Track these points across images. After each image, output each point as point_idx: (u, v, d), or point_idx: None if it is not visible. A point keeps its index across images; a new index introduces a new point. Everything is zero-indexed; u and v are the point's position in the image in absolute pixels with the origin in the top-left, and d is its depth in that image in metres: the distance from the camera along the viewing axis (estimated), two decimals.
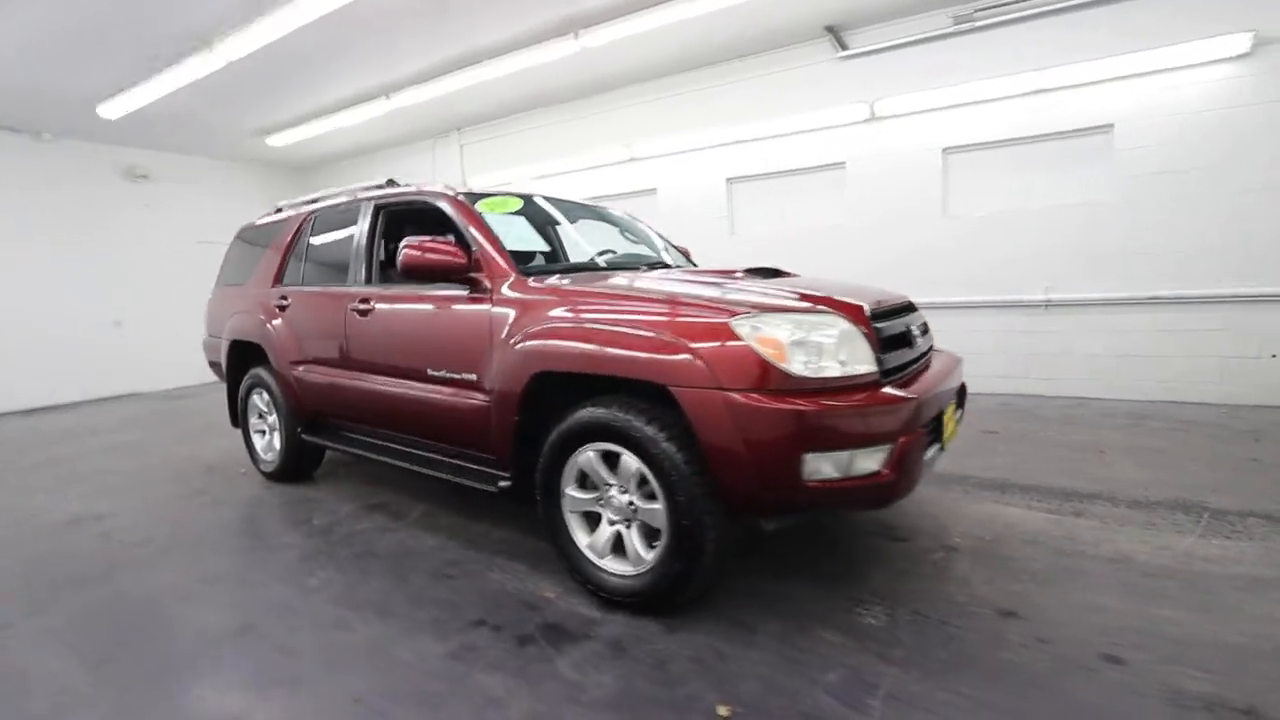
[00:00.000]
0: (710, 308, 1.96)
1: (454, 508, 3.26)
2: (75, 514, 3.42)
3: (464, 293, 2.57)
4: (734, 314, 1.90)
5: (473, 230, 2.64)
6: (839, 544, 2.65)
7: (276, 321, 3.55)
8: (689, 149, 6.66)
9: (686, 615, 2.11)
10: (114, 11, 4.51)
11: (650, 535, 2.12)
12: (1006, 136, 5.29)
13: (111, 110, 6.17)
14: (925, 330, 2.55)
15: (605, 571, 2.18)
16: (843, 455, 1.81)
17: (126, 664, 2.00)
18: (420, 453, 2.89)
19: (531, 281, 2.45)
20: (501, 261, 2.53)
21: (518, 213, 3.01)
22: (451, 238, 2.66)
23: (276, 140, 7.68)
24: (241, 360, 3.97)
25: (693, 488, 1.91)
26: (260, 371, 3.74)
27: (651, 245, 3.48)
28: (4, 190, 7.13)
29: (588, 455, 2.17)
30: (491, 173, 8.03)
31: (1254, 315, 4.59)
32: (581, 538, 2.26)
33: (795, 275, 2.80)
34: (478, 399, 2.48)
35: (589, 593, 2.25)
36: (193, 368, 8.48)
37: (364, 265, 3.13)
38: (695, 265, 3.57)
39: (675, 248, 3.72)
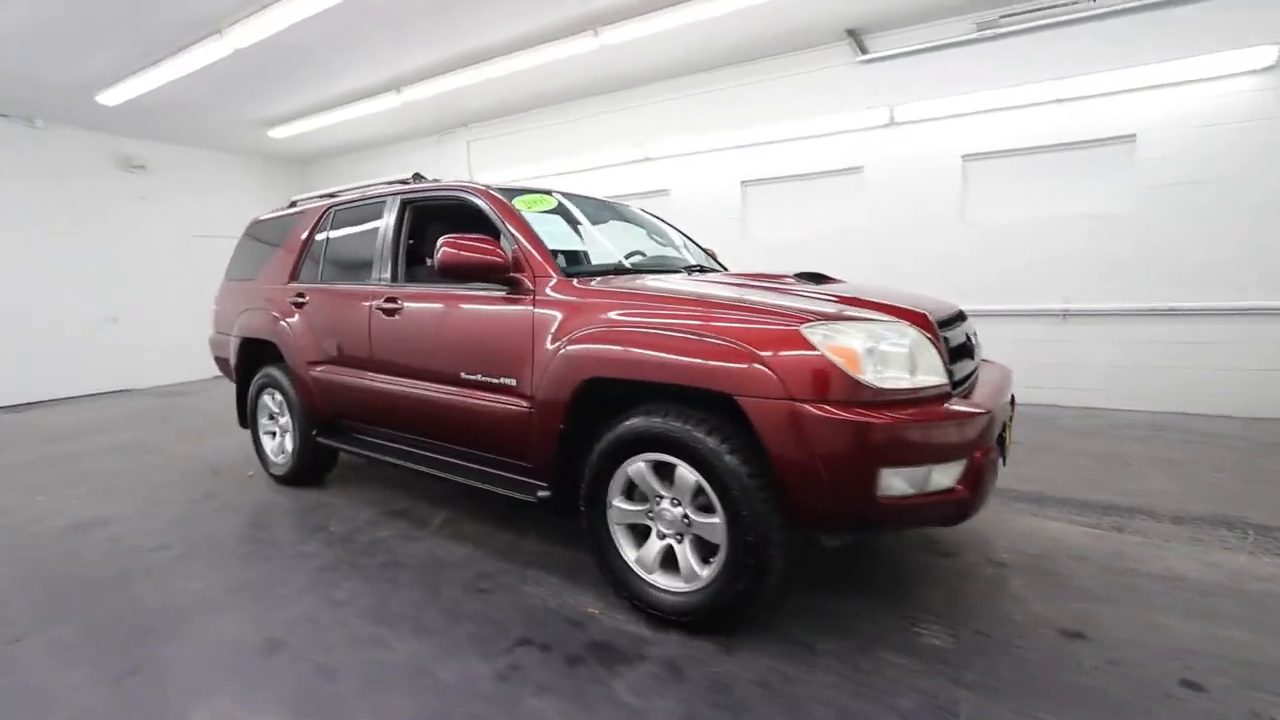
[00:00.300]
0: (778, 314, 1.87)
1: (477, 515, 3.15)
2: (79, 518, 3.28)
3: (502, 293, 2.47)
4: (804, 321, 1.82)
5: (512, 228, 2.54)
6: (883, 558, 2.58)
7: (292, 319, 3.42)
8: (703, 150, 6.58)
9: (742, 635, 2.02)
10: None
11: (705, 550, 2.03)
12: (1027, 145, 5.27)
13: (111, 97, 5.98)
14: (977, 339, 2.49)
15: (655, 588, 2.09)
16: (919, 471, 1.74)
17: (151, 680, 1.88)
18: (449, 459, 2.78)
19: (576, 283, 2.36)
20: (544, 262, 2.43)
21: (550, 211, 2.91)
22: (487, 236, 2.56)
23: (279, 133, 7.52)
24: (252, 359, 3.83)
25: (757, 503, 1.83)
26: (273, 371, 3.61)
27: (680, 247, 3.40)
28: None
29: (638, 466, 2.08)
30: (499, 171, 7.91)
31: (1271, 328, 4.59)
32: (629, 552, 2.17)
33: (841, 281, 2.73)
34: (517, 404, 2.38)
35: (636, 609, 2.16)
36: (188, 364, 8.33)
37: (390, 262, 3.02)
38: (724, 267, 3.49)
39: (703, 249, 3.64)
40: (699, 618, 2.00)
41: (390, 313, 2.90)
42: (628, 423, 2.07)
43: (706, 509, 1.98)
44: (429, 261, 3.38)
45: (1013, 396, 2.60)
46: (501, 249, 2.40)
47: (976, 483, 1.81)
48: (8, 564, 2.76)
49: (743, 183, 6.53)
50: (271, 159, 9.36)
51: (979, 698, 1.71)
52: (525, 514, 3.10)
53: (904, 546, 2.67)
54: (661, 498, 2.08)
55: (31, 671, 1.96)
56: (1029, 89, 5.11)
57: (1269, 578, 2.33)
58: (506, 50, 5.59)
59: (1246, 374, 4.67)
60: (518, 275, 2.42)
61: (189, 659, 1.99)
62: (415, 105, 6.80)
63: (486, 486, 2.52)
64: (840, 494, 1.74)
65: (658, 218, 3.70)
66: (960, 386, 2.00)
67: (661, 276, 2.68)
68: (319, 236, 3.48)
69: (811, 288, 2.34)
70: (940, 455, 1.76)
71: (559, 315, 2.27)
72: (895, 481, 1.73)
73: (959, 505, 1.81)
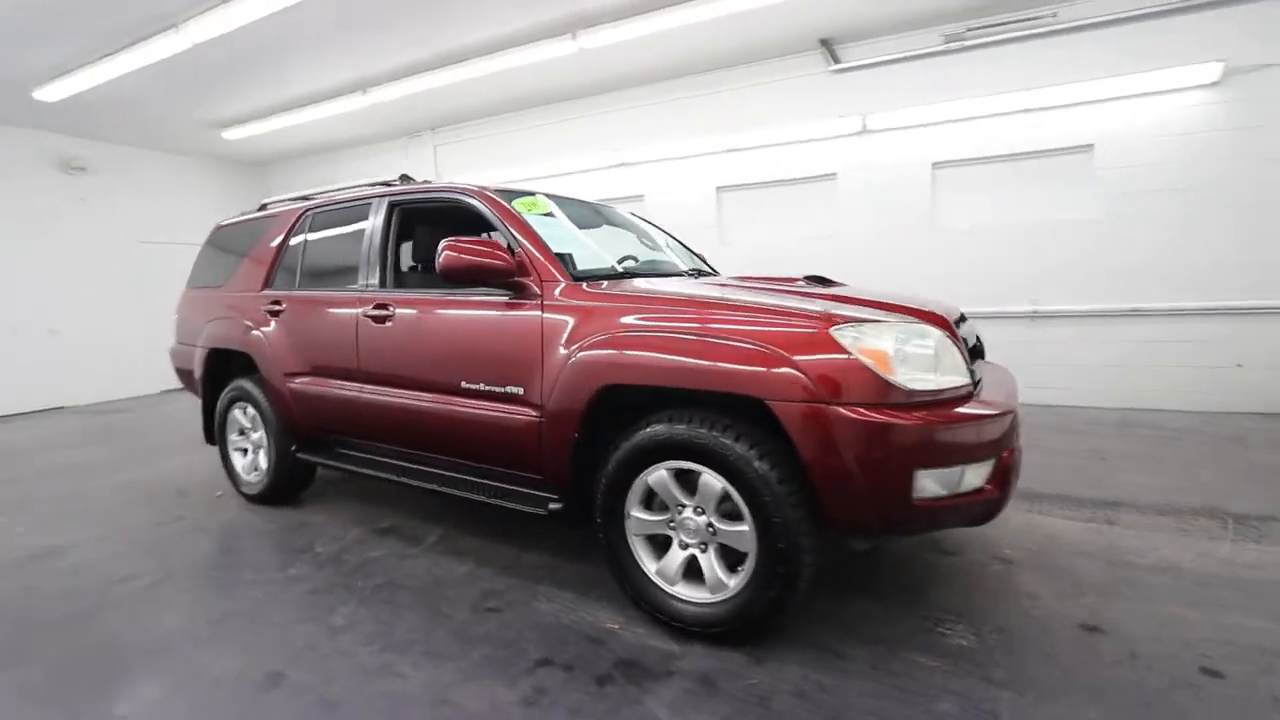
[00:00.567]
0: (806, 317, 1.85)
1: (472, 530, 3.03)
2: (31, 548, 3.00)
3: (504, 298, 2.38)
4: (833, 323, 1.80)
5: (515, 232, 2.46)
6: (890, 559, 2.59)
7: (268, 328, 3.23)
8: (679, 156, 6.59)
9: (768, 644, 1.98)
10: None
11: (729, 559, 1.99)
12: (993, 153, 5.46)
13: (51, 93, 5.59)
14: (981, 341, 2.53)
15: (679, 599, 2.03)
16: (953, 472, 1.74)
17: None
18: (448, 473, 2.66)
19: (586, 286, 2.29)
20: (551, 265, 2.35)
21: (548, 215, 2.83)
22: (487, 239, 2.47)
23: (234, 134, 7.17)
24: (221, 371, 3.61)
25: (788, 509, 1.79)
26: (244, 383, 3.41)
27: (664, 248, 3.33)
28: None
29: (660, 474, 2.02)
30: (468, 175, 7.74)
31: (1223, 327, 4.86)
32: (649, 563, 2.10)
33: (844, 284, 2.75)
34: (525, 414, 2.29)
35: (657, 622, 2.09)
36: (133, 379, 7.83)
37: (378, 268, 2.88)
38: (715, 271, 3.46)
39: (693, 253, 3.61)
40: (727, 628, 1.95)
41: (380, 320, 2.76)
42: (648, 430, 2.01)
43: (732, 516, 1.94)
44: (418, 266, 3.26)
45: None
46: (507, 252, 2.31)
47: (1004, 482, 1.83)
48: None
49: (719, 188, 6.56)
50: (224, 162, 8.93)
51: (1014, 697, 1.71)
52: (521, 526, 2.99)
53: (908, 546, 2.69)
54: (683, 506, 2.03)
55: None
56: (994, 100, 5.30)
57: (1257, 565, 2.43)
58: (481, 52, 5.47)
59: (1202, 370, 4.93)
60: (523, 280, 2.33)
61: (177, 697, 1.83)
62: (381, 107, 6.59)
63: (492, 501, 2.41)
64: (876, 497, 1.72)
65: (647, 221, 3.66)
66: (977, 387, 2.02)
67: (665, 280, 2.63)
68: (295, 240, 3.31)
69: (822, 290, 2.33)
70: (972, 455, 1.76)
71: (571, 320, 2.19)
72: (929, 483, 1.72)
73: (988, 505, 1.82)
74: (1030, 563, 2.51)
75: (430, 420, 2.60)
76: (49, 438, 5.67)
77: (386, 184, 3.19)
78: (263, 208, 3.71)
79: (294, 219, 3.34)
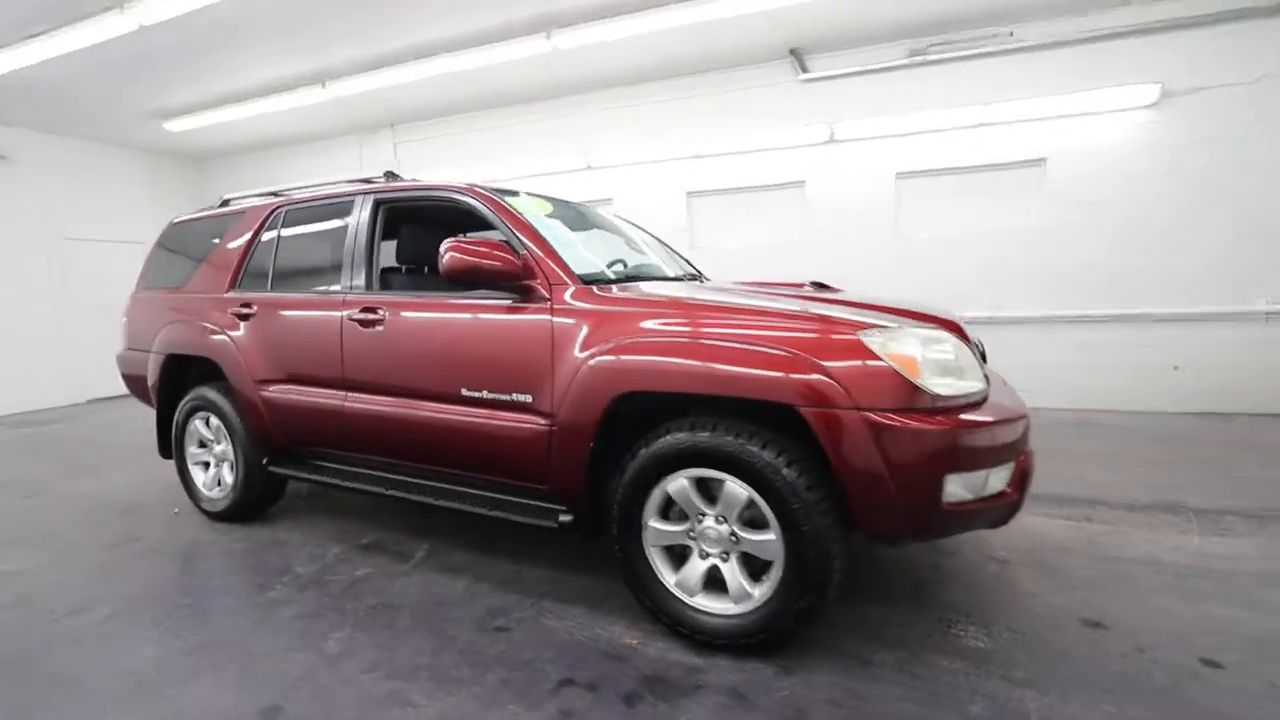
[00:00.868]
0: (834, 323, 1.85)
1: (463, 544, 2.90)
2: None
3: (508, 301, 2.29)
4: (862, 328, 1.80)
5: (518, 233, 2.36)
6: (886, 562, 2.62)
7: (236, 333, 3.01)
8: (649, 160, 6.57)
9: (791, 653, 1.96)
10: None
11: (751, 568, 1.96)
12: (953, 165, 5.68)
13: None
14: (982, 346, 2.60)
15: (701, 611, 1.99)
16: (979, 475, 1.77)
17: None
18: (446, 486, 2.53)
19: (597, 290, 2.22)
20: (558, 268, 2.27)
21: (548, 216, 2.75)
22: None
23: (177, 125, 6.70)
24: (178, 378, 3.34)
25: (818, 516, 1.78)
26: (207, 392, 3.16)
27: (659, 255, 3.30)
28: None
29: (680, 483, 1.98)
30: (429, 174, 7.48)
31: (1162, 332, 5.20)
32: (668, 575, 2.05)
33: (842, 290, 2.78)
34: (534, 423, 2.20)
35: (677, 636, 2.04)
36: (56, 387, 7.20)
37: (363, 269, 2.72)
38: (705, 277, 3.45)
39: (681, 258, 3.59)
40: (752, 639, 1.91)
41: (367, 324, 2.61)
42: (669, 438, 1.96)
43: (755, 525, 1.91)
44: (403, 268, 3.12)
45: None
46: (515, 253, 2.22)
47: (1023, 484, 1.88)
48: None
49: (689, 194, 6.58)
50: (162, 155, 8.34)
51: (1039, 696, 1.74)
52: (513, 538, 2.89)
53: (908, 549, 2.73)
54: (704, 515, 1.99)
55: None
56: (954, 113, 5.52)
57: (1226, 556, 2.59)
58: (451, 47, 5.31)
59: (1143, 372, 5.26)
60: (530, 283, 2.25)
61: None
62: (339, 102, 6.31)
63: (494, 513, 2.30)
64: (907, 503, 1.73)
65: (634, 225, 3.61)
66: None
67: (672, 285, 2.59)
68: (267, 238, 3.09)
69: (828, 295, 2.35)
70: (997, 459, 1.80)
71: (584, 325, 2.12)
72: (958, 487, 1.74)
73: (1009, 508, 1.86)
74: (1023, 562, 2.59)
75: (425, 430, 2.47)
76: None
77: (367, 181, 3.03)
78: (225, 203, 3.46)
79: (264, 216, 3.13)
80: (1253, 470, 3.69)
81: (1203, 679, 1.81)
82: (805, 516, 1.78)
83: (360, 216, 2.79)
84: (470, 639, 2.11)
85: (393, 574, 2.63)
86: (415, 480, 2.60)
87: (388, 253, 2.92)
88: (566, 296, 2.20)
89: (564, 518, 2.19)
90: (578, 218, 3.09)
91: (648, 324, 2.01)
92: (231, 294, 3.10)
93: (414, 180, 2.88)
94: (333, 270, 2.82)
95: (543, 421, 2.18)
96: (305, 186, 3.19)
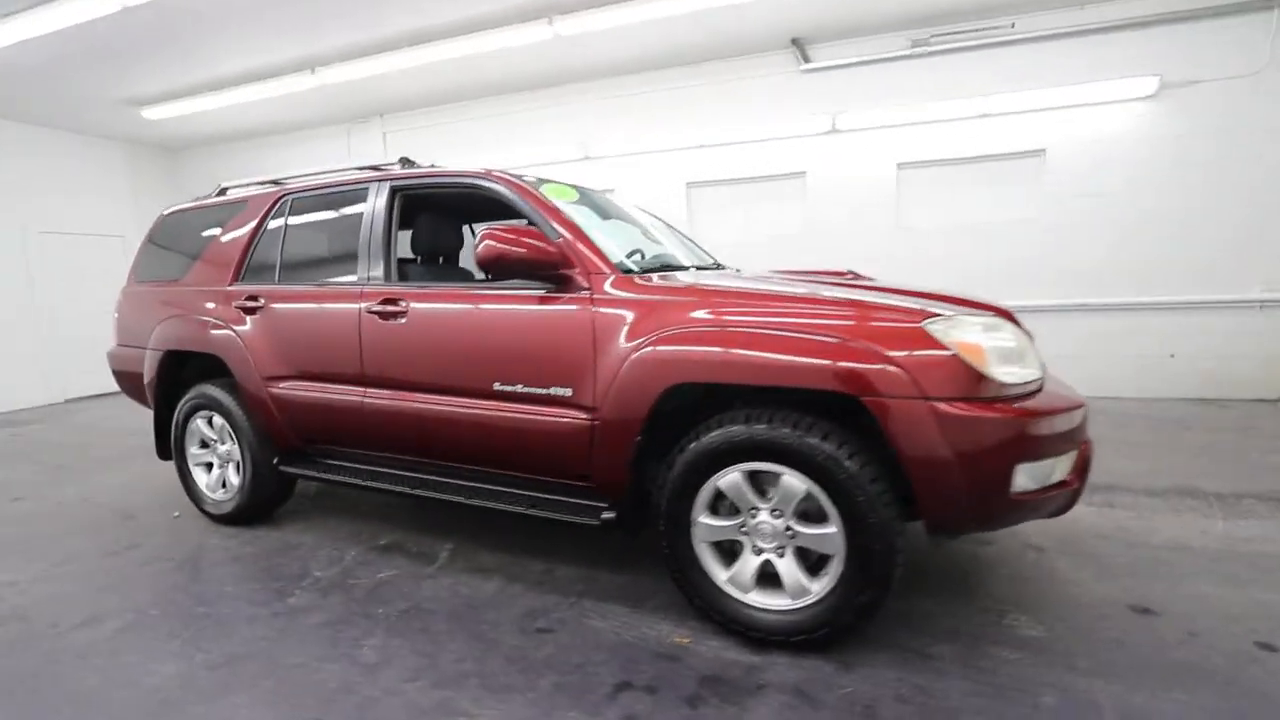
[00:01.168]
0: (896, 311, 1.79)
1: (487, 543, 2.80)
2: None
3: (541, 291, 2.20)
4: (925, 316, 1.75)
5: (552, 220, 2.27)
6: (925, 552, 2.60)
7: (242, 327, 2.86)
8: (648, 150, 6.48)
9: (848, 649, 1.92)
10: None
11: (806, 563, 1.91)
12: (954, 155, 5.69)
13: None
14: None
15: (755, 608, 1.93)
16: (1046, 464, 1.73)
17: None
18: (469, 483, 2.43)
19: (638, 279, 2.14)
20: (597, 257, 2.18)
21: (575, 203, 2.65)
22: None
23: (156, 112, 6.41)
24: (177, 375, 3.18)
25: (883, 508, 1.73)
26: (210, 390, 3.01)
27: (676, 245, 3.20)
28: None
29: (733, 477, 1.91)
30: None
31: (1159, 320, 5.29)
32: (719, 572, 1.99)
33: (871, 278, 2.74)
34: (574, 417, 2.11)
35: (729, 633, 1.99)
36: (31, 386, 6.88)
37: (381, 259, 2.60)
38: (727, 267, 3.38)
39: (700, 249, 3.51)
40: (810, 636, 1.86)
41: (388, 316, 2.49)
42: (722, 431, 1.89)
43: (807, 518, 1.86)
44: (419, 258, 3.00)
45: None
46: (551, 242, 2.13)
47: (1084, 472, 1.85)
48: None
49: (689, 184, 6.51)
50: (136, 145, 7.99)
51: (1106, 685, 1.72)
52: (541, 536, 2.81)
53: (932, 537, 2.71)
54: (756, 510, 1.93)
55: None
56: (955, 104, 5.53)
57: (1253, 540, 2.61)
58: (449, 33, 5.15)
59: (1140, 360, 5.34)
60: (568, 271, 2.16)
61: None
62: (326, 90, 6.09)
63: (535, 513, 2.22)
64: (977, 494, 1.69)
65: (651, 214, 3.53)
66: None
67: (710, 274, 2.52)
68: (272, 227, 2.95)
69: (872, 283, 2.30)
70: (1063, 447, 1.77)
71: (629, 315, 2.04)
72: (1026, 477, 1.71)
73: (1071, 496, 1.83)
74: (1059, 549, 2.59)
75: (454, 427, 2.37)
76: None
77: (375, 168, 2.91)
78: (222, 191, 3.30)
79: (269, 204, 2.98)
80: (1259, 455, 3.76)
81: (1261, 663, 1.81)
82: (871, 509, 1.73)
83: (376, 204, 2.66)
84: (514, 643, 2.03)
85: (418, 576, 2.53)
86: (442, 479, 2.50)
87: (414, 243, 2.81)
88: (607, 286, 2.12)
89: (606, 515, 2.11)
90: (599, 206, 2.99)
91: (699, 314, 1.94)
92: (236, 286, 2.95)
93: (432, 166, 2.75)
94: (347, 261, 2.69)
95: (584, 416, 2.10)
96: (310, 174, 3.05)
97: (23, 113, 6.60)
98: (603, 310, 2.08)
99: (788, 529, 1.89)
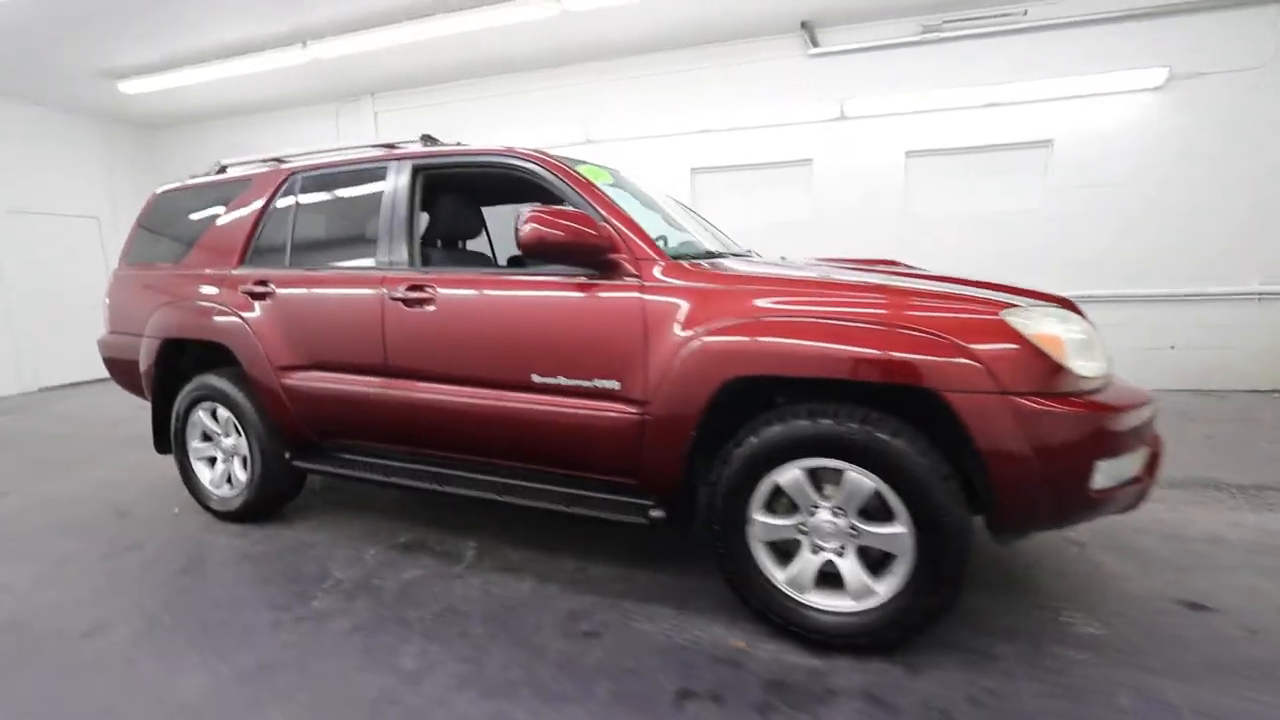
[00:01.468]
0: (972, 301, 1.72)
1: (512, 540, 2.70)
2: None
3: (582, 278, 2.08)
4: (1002, 307, 1.68)
5: (594, 204, 2.14)
6: (975, 550, 2.55)
7: (251, 314, 2.69)
8: (652, 134, 6.34)
9: (912, 650, 1.86)
10: None
11: (868, 562, 1.84)
12: (962, 144, 5.65)
13: None
14: None
15: (815, 609, 1.86)
16: (1123, 460, 1.68)
17: None
18: (505, 480, 2.32)
19: (689, 265, 2.04)
20: (644, 242, 2.07)
21: (611, 186, 2.53)
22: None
23: (134, 86, 6.07)
24: (175, 364, 3.00)
25: (957, 507, 1.67)
26: (213, 380, 2.84)
27: (699, 231, 3.10)
28: None
29: (794, 473, 1.83)
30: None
31: (1161, 312, 5.34)
32: (776, 572, 1.91)
33: (917, 267, 2.67)
34: (622, 411, 2.01)
35: (787, 635, 1.91)
36: (5, 375, 6.56)
37: (404, 243, 2.45)
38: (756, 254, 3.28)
39: (724, 235, 3.41)
40: (875, 638, 1.80)
41: (414, 303, 2.35)
42: (784, 426, 1.81)
43: (876, 516, 1.79)
44: (439, 241, 2.84)
45: None
46: (599, 226, 2.01)
47: (1154, 468, 1.81)
48: None
49: (693, 170, 6.39)
50: (114, 122, 7.59)
51: (1177, 683, 1.69)
52: (569, 532, 2.71)
53: (983, 536, 2.67)
54: (817, 507, 1.85)
55: None
56: (965, 92, 5.48)
57: None
58: (451, 7, 4.93)
59: (1139, 352, 5.39)
60: (615, 257, 2.04)
61: None
62: (316, 66, 5.84)
63: (577, 511, 2.12)
64: (1058, 490, 1.63)
65: (674, 199, 3.41)
66: None
67: (756, 262, 2.43)
68: (281, 207, 2.77)
69: (921, 272, 2.23)
70: (1137, 443, 1.72)
71: (683, 304, 1.93)
72: (1104, 473, 1.65)
73: (1142, 492, 1.78)
74: (1100, 543, 2.56)
75: (488, 421, 2.25)
76: None
77: (390, 146, 2.75)
78: (222, 169, 3.10)
79: (276, 183, 2.80)
80: (1267, 445, 3.80)
81: None
82: (945, 508, 1.66)
83: (397, 184, 2.51)
84: (560, 647, 1.93)
85: (446, 576, 2.41)
86: (473, 475, 2.38)
87: (437, 225, 2.66)
88: (657, 272, 2.01)
89: (655, 513, 2.02)
90: (634, 189, 2.87)
91: (762, 303, 1.84)
92: (241, 270, 2.78)
93: (458, 144, 2.60)
94: (365, 244, 2.54)
95: (633, 409, 1.99)
96: (319, 151, 2.87)
97: None
98: (654, 298, 1.97)
99: (851, 528, 1.82)
